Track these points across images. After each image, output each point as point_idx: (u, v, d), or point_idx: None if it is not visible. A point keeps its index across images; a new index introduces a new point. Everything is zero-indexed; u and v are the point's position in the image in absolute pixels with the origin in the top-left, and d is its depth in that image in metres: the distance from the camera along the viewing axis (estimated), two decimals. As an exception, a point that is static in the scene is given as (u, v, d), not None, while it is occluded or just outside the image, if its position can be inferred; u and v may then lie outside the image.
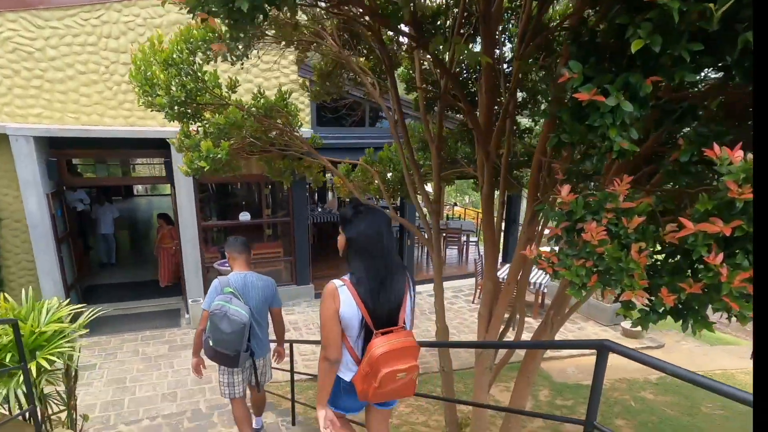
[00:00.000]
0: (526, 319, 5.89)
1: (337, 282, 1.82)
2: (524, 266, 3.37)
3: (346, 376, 1.92)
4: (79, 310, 3.76)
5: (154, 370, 6.13)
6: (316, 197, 15.03)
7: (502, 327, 3.68)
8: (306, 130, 6.65)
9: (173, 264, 8.37)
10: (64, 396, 3.61)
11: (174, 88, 3.17)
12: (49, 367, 3.08)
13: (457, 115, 5.28)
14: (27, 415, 3.25)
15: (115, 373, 6.02)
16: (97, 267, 9.61)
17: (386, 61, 3.36)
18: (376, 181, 4.26)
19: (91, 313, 3.77)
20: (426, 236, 3.87)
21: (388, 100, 3.99)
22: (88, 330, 3.64)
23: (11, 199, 6.64)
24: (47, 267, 6.56)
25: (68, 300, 6.34)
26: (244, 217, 8.05)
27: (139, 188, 21.36)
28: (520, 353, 4.10)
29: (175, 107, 3.28)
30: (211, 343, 3.03)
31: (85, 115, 6.61)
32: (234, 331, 2.92)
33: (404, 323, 1.89)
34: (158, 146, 6.85)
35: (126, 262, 10.25)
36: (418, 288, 8.53)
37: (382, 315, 1.82)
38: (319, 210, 12.26)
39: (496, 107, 3.31)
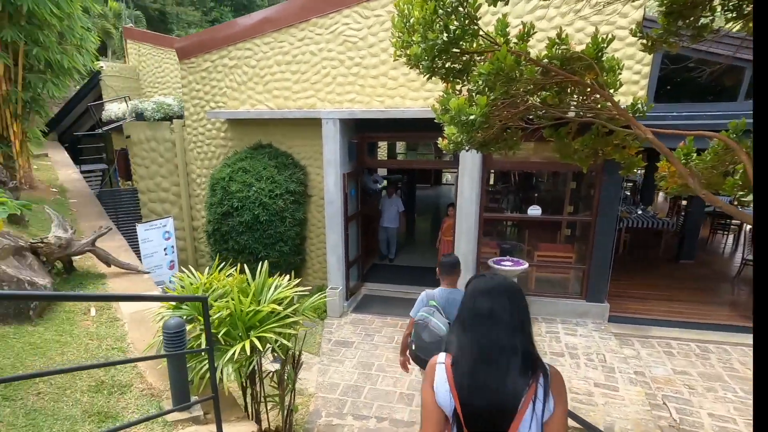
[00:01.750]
0: None
1: (441, 356, 1.54)
2: None
3: None
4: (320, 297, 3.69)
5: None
6: (639, 196, 12.37)
7: None
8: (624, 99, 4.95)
9: None
10: (290, 377, 3.57)
11: (432, 33, 2.43)
12: (261, 348, 2.96)
13: None
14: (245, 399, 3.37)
15: (367, 356, 6.06)
16: (376, 255, 9.70)
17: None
18: (741, 169, 2.48)
19: (316, 299, 3.74)
20: None
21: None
22: (299, 320, 3.45)
23: (321, 178, 7.57)
24: (334, 242, 7.21)
25: (345, 275, 7.09)
26: (534, 211, 6.97)
27: (448, 177, 20.55)
28: None
29: (434, 57, 2.55)
30: (413, 347, 3.44)
31: (389, 99, 6.89)
32: (432, 342, 3.25)
33: None
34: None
35: (408, 250, 10.42)
36: None
37: (479, 413, 1.41)
38: (639, 212, 9.86)
39: None
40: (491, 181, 10.17)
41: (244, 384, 3.56)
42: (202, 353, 2.99)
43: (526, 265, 6.53)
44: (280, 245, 7.20)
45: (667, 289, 7.82)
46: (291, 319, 3.28)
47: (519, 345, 1.40)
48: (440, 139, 3.27)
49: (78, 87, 12.97)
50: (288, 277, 3.78)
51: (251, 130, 7.74)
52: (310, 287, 7.85)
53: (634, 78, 6.08)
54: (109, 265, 4.65)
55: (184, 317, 3.16)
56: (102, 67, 12.75)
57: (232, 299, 3.20)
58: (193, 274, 3.70)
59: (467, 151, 3.40)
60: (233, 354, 2.90)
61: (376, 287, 8.24)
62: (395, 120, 7.09)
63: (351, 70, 6.99)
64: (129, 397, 3.01)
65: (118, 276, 4.64)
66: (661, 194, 11.29)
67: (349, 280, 7.56)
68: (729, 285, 8.25)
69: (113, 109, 10.80)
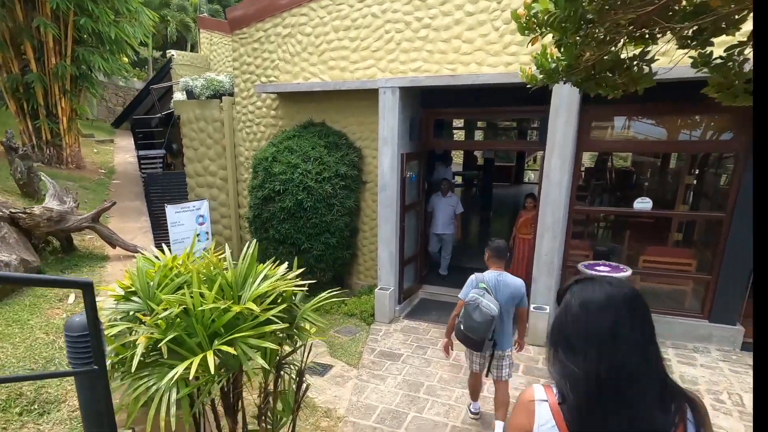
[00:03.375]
0: None
1: (538, 390, 1.18)
2: None
3: None
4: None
5: (458, 386, 4.66)
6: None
7: None
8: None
9: (529, 259, 6.63)
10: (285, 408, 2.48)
11: None
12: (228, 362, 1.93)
13: None
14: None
15: (415, 373, 4.91)
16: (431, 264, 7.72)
17: None
18: None
19: (322, 299, 2.60)
20: None
21: None
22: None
23: (378, 162, 6.59)
24: (387, 235, 6.12)
25: (399, 275, 5.90)
26: (642, 204, 5.54)
27: (531, 176, 16.95)
28: None
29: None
30: (462, 328, 3.54)
31: (462, 66, 5.76)
32: (483, 321, 3.40)
33: None
34: (537, 100, 5.36)
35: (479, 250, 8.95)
36: None
37: None
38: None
39: None
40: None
41: (198, 420, 2.47)
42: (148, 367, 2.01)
43: (629, 271, 5.16)
44: (326, 236, 6.29)
45: None
46: (276, 326, 2.17)
47: (654, 370, 1.06)
48: (526, 67, 2.13)
49: (149, 76, 13.01)
50: (285, 266, 2.69)
51: (303, 106, 6.92)
52: (361, 285, 6.98)
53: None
54: (114, 246, 3.93)
55: (131, 313, 2.22)
56: (173, 55, 12.68)
57: (192, 293, 2.14)
58: (164, 252, 2.76)
59: (564, 83, 2.28)
60: (175, 374, 1.86)
61: (437, 291, 7.09)
62: (469, 90, 5.96)
63: (418, 34, 5.95)
64: (48, 421, 2.11)
65: (123, 260, 3.90)
66: None
67: (403, 280, 6.47)
68: None
69: (179, 96, 10.53)
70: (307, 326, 2.53)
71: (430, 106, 6.38)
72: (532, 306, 5.44)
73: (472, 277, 3.71)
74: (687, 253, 5.75)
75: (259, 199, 6.30)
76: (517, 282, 3.63)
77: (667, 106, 5.23)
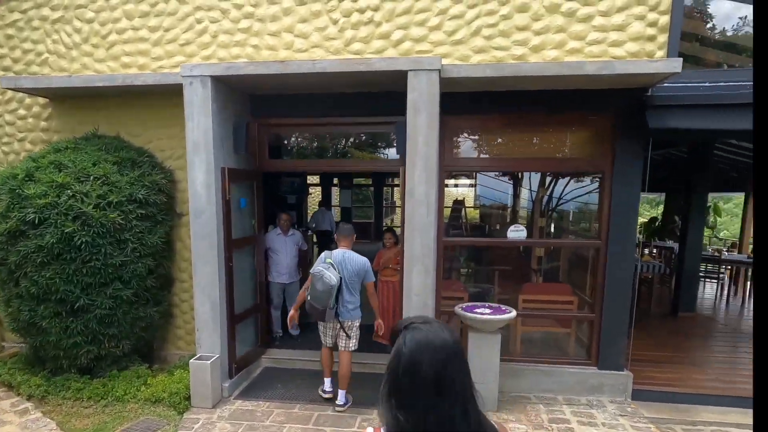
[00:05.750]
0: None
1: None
2: None
3: None
4: None
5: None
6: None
7: None
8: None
9: (395, 306, 5.32)
10: None
11: None
12: None
13: None
14: None
15: None
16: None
17: None
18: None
19: None
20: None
21: None
22: None
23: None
24: (206, 280, 4.40)
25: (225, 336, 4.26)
26: (517, 234, 4.66)
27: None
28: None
29: None
30: (308, 297, 4.05)
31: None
32: (324, 290, 3.92)
33: None
34: (392, 110, 4.32)
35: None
36: None
37: None
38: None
39: None
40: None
41: None
42: None
43: (513, 313, 4.14)
44: (117, 287, 4.37)
45: (690, 350, 5.72)
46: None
47: (472, 421, 1.09)
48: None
49: None
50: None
51: (89, 116, 5.02)
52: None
53: (648, 32, 4.14)
54: None
55: None
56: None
57: None
58: None
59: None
60: None
61: (286, 356, 5.37)
62: (311, 98, 4.72)
63: (239, 25, 4.62)
64: None
65: None
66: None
67: (234, 344, 4.71)
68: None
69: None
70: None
71: (265, 116, 4.95)
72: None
73: (323, 254, 4.20)
74: (566, 289, 4.98)
75: (3, 235, 4.17)
76: (362, 259, 4.18)
77: (532, 118, 4.53)
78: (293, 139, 5.93)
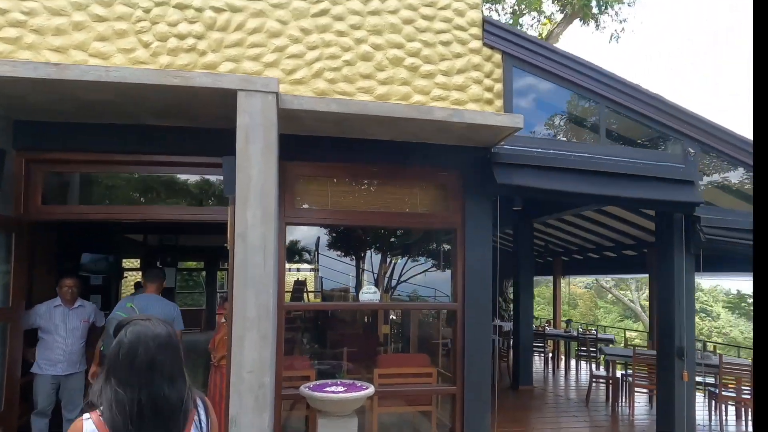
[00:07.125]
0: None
1: (85, 415, 1.35)
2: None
3: None
4: None
5: None
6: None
7: None
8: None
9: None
10: None
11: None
12: None
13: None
14: None
15: None
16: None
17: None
18: None
19: None
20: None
21: None
22: None
23: None
24: None
25: None
26: (370, 296, 4.01)
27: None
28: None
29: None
30: (102, 349, 3.64)
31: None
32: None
33: None
34: (217, 141, 3.53)
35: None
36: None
37: None
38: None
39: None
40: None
41: None
42: None
43: (371, 388, 3.35)
44: None
45: (546, 424, 5.66)
46: None
47: (178, 395, 1.37)
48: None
49: None
50: None
51: None
52: None
53: (486, 96, 4.34)
54: None
55: None
56: None
57: None
58: None
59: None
60: None
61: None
62: (111, 128, 3.66)
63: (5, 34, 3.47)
64: None
65: None
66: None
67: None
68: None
69: None
70: None
71: (36, 148, 3.62)
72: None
73: (124, 299, 4.16)
74: (424, 360, 4.41)
75: None
76: (170, 304, 3.96)
77: (381, 169, 4.22)
78: (81, 181, 4.44)
